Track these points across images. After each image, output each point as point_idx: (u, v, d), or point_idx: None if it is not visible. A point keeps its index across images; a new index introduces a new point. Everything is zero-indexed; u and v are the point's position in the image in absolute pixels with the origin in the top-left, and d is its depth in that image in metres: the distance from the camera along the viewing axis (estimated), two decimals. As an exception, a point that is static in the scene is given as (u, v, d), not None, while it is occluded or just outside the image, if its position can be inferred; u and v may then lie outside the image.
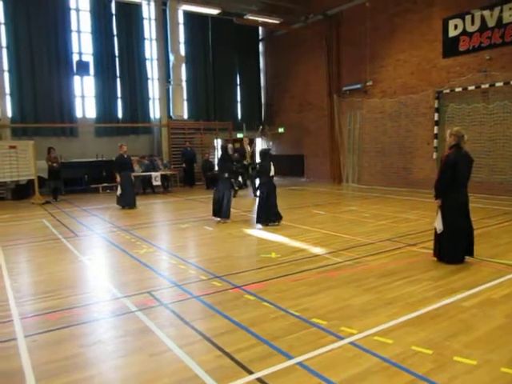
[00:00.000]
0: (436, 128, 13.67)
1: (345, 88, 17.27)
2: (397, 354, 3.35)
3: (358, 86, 16.52)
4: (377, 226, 8.55)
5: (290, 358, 3.33)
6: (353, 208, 10.99)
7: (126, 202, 12.07)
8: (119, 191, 12.05)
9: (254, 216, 10.36)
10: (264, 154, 9.52)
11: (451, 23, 13.29)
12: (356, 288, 4.91)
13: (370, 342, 3.55)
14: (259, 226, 8.92)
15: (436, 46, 13.84)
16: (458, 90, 13.11)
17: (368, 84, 16.22)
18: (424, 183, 13.60)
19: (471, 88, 12.76)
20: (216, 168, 17.81)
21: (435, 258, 5.85)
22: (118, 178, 12.05)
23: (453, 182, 5.59)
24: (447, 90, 13.45)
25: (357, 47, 16.52)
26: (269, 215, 8.90)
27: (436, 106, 13.74)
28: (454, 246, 5.67)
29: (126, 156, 12.23)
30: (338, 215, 9.99)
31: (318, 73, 18.38)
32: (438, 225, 5.71)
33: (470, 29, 12.84)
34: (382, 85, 15.82)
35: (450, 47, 13.40)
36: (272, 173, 9.09)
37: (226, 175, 9.43)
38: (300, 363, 3.24)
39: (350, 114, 17.08)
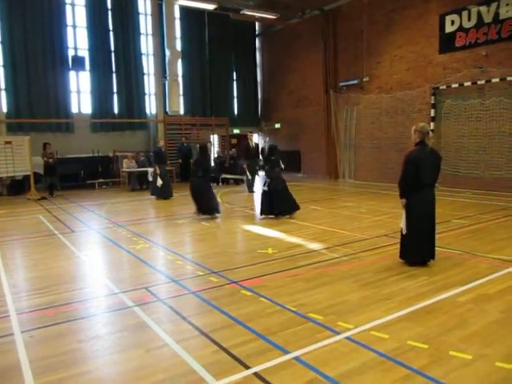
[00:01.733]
0: (432, 124, 13.67)
1: (341, 84, 17.25)
2: (393, 348, 3.37)
3: (355, 81, 16.52)
4: (373, 221, 8.57)
5: (286, 352, 3.34)
6: (349, 204, 11.01)
7: (167, 194, 12.81)
8: (160, 182, 12.59)
9: (251, 212, 10.39)
10: (273, 149, 9.86)
11: (448, 19, 13.29)
12: (352, 283, 4.93)
13: (366, 337, 3.57)
14: (261, 216, 9.21)
15: (432, 41, 13.84)
16: (454, 86, 13.12)
17: (365, 80, 16.21)
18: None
19: (467, 84, 12.78)
20: (212, 164, 17.94)
21: (401, 260, 5.61)
22: (158, 170, 12.70)
23: (416, 181, 5.29)
24: (443, 86, 13.46)
25: (354, 43, 16.50)
26: (286, 207, 9.18)
27: (432, 102, 13.76)
28: (416, 246, 5.40)
29: (163, 149, 12.94)
30: (335, 211, 10.01)
31: (314, 68, 18.34)
32: (403, 225, 5.47)
33: (466, 25, 12.84)
34: (379, 81, 15.82)
35: (447, 43, 13.41)
36: (282, 166, 9.53)
37: (200, 173, 9.42)
38: (296, 358, 3.26)
39: (347, 109, 17.08)
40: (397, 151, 15.21)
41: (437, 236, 5.63)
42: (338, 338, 3.58)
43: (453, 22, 13.19)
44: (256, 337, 3.63)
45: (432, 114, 13.76)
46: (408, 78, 14.77)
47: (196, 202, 9.45)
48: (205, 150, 9.79)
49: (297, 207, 9.27)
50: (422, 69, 14.31)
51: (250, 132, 15.63)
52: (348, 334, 3.64)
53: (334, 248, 6.54)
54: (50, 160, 14.11)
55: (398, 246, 5.69)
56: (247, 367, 3.13)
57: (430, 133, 5.49)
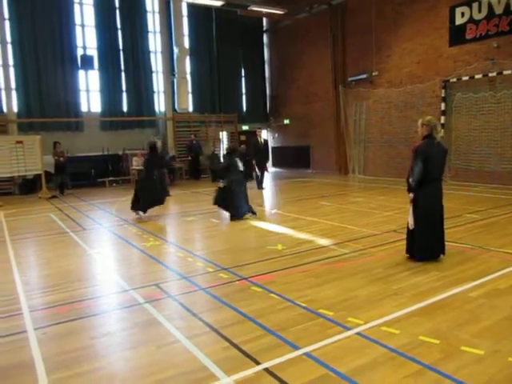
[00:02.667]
0: (443, 118, 13.53)
1: (350, 78, 17.13)
2: (404, 344, 3.35)
3: (364, 76, 16.39)
4: (383, 217, 8.53)
5: (297, 348, 3.34)
6: (359, 199, 10.96)
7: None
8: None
9: (261, 209, 10.40)
10: (229, 152, 9.35)
11: (458, 11, 13.12)
12: (362, 279, 4.91)
13: (376, 333, 3.55)
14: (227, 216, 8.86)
15: (443, 34, 13.67)
16: (464, 78, 12.95)
17: (374, 74, 16.08)
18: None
19: (478, 76, 12.60)
20: (222, 160, 17.95)
21: (407, 255, 5.55)
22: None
23: (425, 175, 5.20)
24: (454, 79, 13.30)
25: (362, 37, 16.36)
26: (238, 210, 8.76)
27: (443, 95, 13.60)
28: (426, 242, 5.31)
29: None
30: (344, 206, 9.98)
31: (323, 63, 18.24)
32: (411, 220, 5.39)
33: (477, 16, 12.66)
34: (388, 75, 15.68)
35: (457, 35, 13.23)
36: (240, 168, 8.98)
37: (156, 173, 9.40)
38: (307, 354, 3.26)
39: (356, 104, 16.97)
40: (407, 146, 15.07)
41: (448, 230, 5.59)
42: (348, 333, 3.57)
43: (463, 14, 13.02)
44: (266, 333, 3.64)
45: (442, 107, 13.61)
46: (418, 72, 14.62)
47: (136, 199, 9.25)
48: (154, 148, 9.53)
49: (236, 216, 8.78)
50: (432, 62, 14.15)
51: (259, 128, 15.59)
52: (359, 329, 3.63)
53: (343, 244, 6.52)
54: (61, 159, 14.25)
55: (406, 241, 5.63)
56: (258, 363, 3.14)
57: (438, 126, 5.40)
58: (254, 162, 13.94)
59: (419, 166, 5.22)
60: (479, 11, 12.59)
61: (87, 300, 4.60)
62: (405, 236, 5.66)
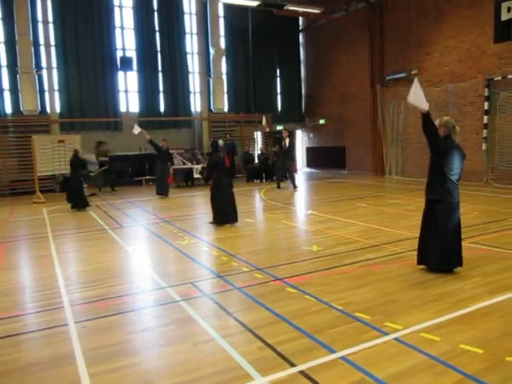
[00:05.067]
0: (486, 117, 13.04)
1: (388, 77, 16.78)
2: (444, 351, 3.23)
3: (403, 74, 16.00)
4: (422, 219, 8.26)
5: (332, 351, 3.28)
6: (396, 201, 10.70)
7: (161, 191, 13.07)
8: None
9: (295, 209, 10.34)
10: (213, 145, 8.39)
11: (504, 6, 12.57)
12: (401, 283, 4.78)
13: (415, 339, 3.44)
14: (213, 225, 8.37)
15: (487, 30, 13.15)
16: (510, 76, 12.42)
17: (413, 72, 15.63)
18: (472, 175, 13.03)
19: (525, 75, 12.07)
20: (256, 160, 18.00)
21: (420, 266, 5.16)
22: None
23: (446, 172, 4.89)
24: (499, 78, 12.78)
25: (401, 34, 15.98)
26: (219, 216, 8.20)
27: (486, 94, 13.10)
28: (443, 251, 4.91)
29: (164, 149, 13.23)
30: (381, 208, 9.77)
31: (360, 62, 17.96)
32: None
33: (524, 11, 12.14)
34: (428, 73, 15.24)
35: (502, 32, 12.67)
36: (227, 166, 8.39)
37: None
38: (343, 357, 3.19)
39: (394, 103, 16.60)
40: (447, 146, 14.61)
41: (493, 235, 5.34)
42: (386, 338, 3.48)
43: (509, 9, 12.46)
44: (301, 334, 3.60)
45: (486, 106, 13.12)
46: (460, 70, 14.14)
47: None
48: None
49: (218, 222, 8.28)
50: (475, 60, 13.66)
51: (285, 130, 15.55)
52: (396, 334, 3.53)
53: (380, 246, 6.38)
54: (105, 158, 14.72)
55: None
56: (293, 365, 3.11)
57: (457, 128, 5.03)
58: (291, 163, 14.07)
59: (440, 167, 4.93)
60: (527, 6, 12.05)
61: (125, 296, 4.69)
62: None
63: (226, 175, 8.44)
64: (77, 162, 11.37)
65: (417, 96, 4.75)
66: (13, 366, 3.28)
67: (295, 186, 13.82)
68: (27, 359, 3.39)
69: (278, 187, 14.20)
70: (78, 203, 10.97)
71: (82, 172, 11.82)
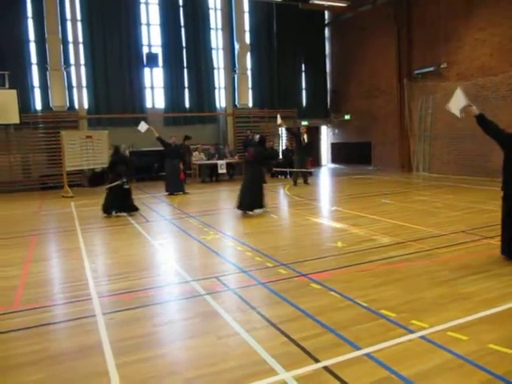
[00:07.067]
0: (518, 112, 12.63)
1: (416, 71, 16.43)
2: (472, 351, 3.16)
3: (431, 68, 15.65)
4: (450, 216, 8.11)
5: (357, 348, 3.26)
6: (424, 198, 10.51)
7: (172, 188, 12.88)
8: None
9: (319, 205, 10.28)
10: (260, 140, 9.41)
11: (538, -4, 12.16)
12: (427, 281, 4.70)
13: (442, 337, 3.38)
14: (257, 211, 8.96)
15: (519, 22, 12.74)
16: (544, 69, 12.01)
17: (442, 66, 15.30)
18: (503, 172, 12.65)
19: (560, 67, 11.63)
20: (280, 156, 17.94)
21: (503, 256, 5.22)
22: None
23: None
24: (532, 71, 12.36)
25: (430, 27, 15.61)
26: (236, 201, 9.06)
27: (519, 88, 12.70)
28: None
29: (173, 145, 13.05)
30: (408, 205, 9.61)
31: (386, 57, 17.64)
32: None
33: (560, 2, 11.68)
34: (458, 67, 14.85)
35: (537, 23, 12.27)
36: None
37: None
38: (368, 354, 3.17)
39: (422, 98, 16.25)
40: (477, 143, 14.24)
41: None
42: (411, 336, 3.43)
43: (544, 0, 12.04)
44: (326, 330, 3.58)
45: (518, 101, 12.71)
46: (491, 63, 13.73)
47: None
48: (117, 151, 9.55)
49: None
50: (507, 52, 13.23)
51: (304, 126, 15.46)
52: (423, 333, 3.47)
53: (406, 243, 6.27)
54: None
55: (482, 242, 5.30)
56: (317, 360, 3.10)
57: None
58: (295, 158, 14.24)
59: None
60: None
61: (150, 289, 4.77)
62: (476, 237, 5.34)
63: (249, 167, 9.27)
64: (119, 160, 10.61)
65: (456, 105, 5.17)
66: (42, 355, 3.37)
67: (307, 182, 13.85)
68: (56, 349, 3.49)
69: (295, 184, 13.98)
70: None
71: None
